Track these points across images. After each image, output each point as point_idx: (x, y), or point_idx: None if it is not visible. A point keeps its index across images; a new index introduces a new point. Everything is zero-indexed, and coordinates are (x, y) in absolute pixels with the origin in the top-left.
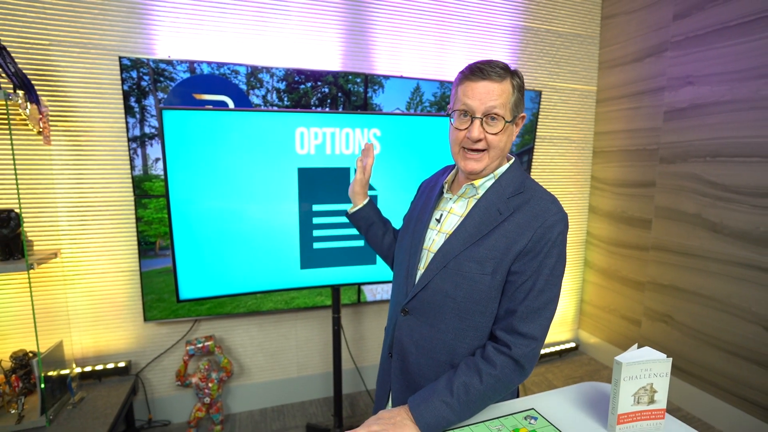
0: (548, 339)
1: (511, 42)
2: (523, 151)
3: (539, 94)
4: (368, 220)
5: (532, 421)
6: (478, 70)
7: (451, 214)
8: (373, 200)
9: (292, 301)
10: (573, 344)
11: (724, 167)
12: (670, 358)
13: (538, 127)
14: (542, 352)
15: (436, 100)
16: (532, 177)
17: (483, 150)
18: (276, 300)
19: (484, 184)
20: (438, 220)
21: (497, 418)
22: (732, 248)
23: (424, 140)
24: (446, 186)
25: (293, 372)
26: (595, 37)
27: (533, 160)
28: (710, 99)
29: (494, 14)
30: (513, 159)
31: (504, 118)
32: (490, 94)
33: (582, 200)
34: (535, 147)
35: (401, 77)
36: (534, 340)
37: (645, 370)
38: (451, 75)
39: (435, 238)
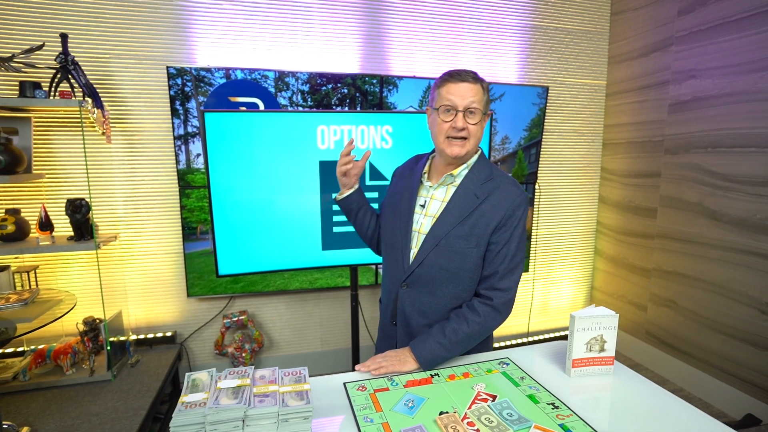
0: (559, 324)
1: (521, 41)
2: (531, 144)
3: (546, 89)
4: (360, 202)
5: (504, 366)
6: (457, 74)
7: (434, 199)
8: (361, 188)
9: (316, 281)
10: None
11: (724, 157)
12: (618, 314)
13: (546, 121)
14: (553, 335)
15: None
16: (540, 168)
17: (465, 138)
18: (301, 280)
19: (460, 173)
20: (422, 206)
21: (476, 363)
22: (730, 235)
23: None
24: (425, 176)
25: (317, 346)
26: (605, 33)
27: (541, 153)
28: (711, 92)
29: (504, 15)
30: (480, 151)
31: (481, 111)
32: (468, 92)
33: (593, 191)
34: (543, 140)
35: (414, 77)
36: (510, 290)
37: (595, 323)
38: None
39: (422, 221)
